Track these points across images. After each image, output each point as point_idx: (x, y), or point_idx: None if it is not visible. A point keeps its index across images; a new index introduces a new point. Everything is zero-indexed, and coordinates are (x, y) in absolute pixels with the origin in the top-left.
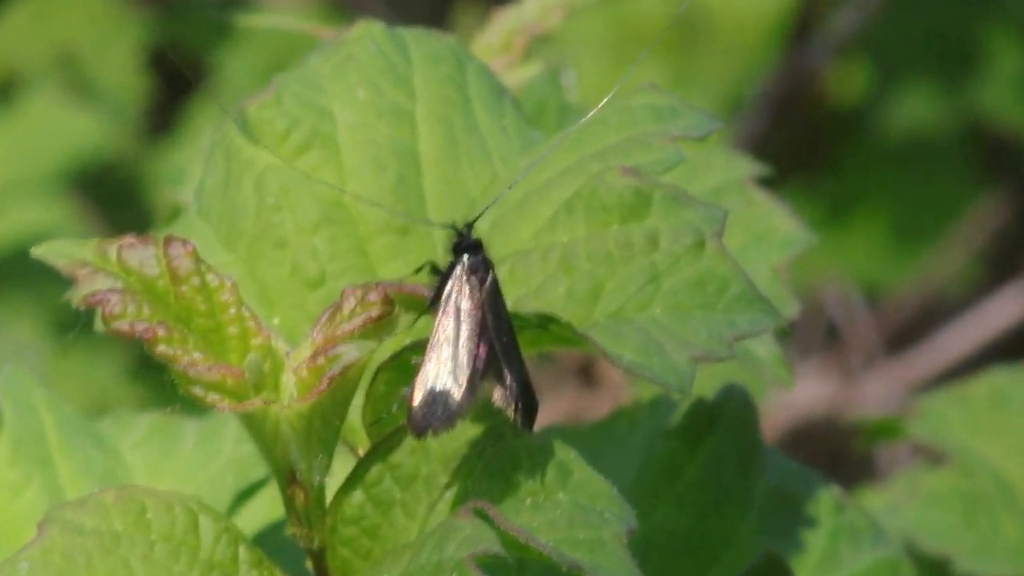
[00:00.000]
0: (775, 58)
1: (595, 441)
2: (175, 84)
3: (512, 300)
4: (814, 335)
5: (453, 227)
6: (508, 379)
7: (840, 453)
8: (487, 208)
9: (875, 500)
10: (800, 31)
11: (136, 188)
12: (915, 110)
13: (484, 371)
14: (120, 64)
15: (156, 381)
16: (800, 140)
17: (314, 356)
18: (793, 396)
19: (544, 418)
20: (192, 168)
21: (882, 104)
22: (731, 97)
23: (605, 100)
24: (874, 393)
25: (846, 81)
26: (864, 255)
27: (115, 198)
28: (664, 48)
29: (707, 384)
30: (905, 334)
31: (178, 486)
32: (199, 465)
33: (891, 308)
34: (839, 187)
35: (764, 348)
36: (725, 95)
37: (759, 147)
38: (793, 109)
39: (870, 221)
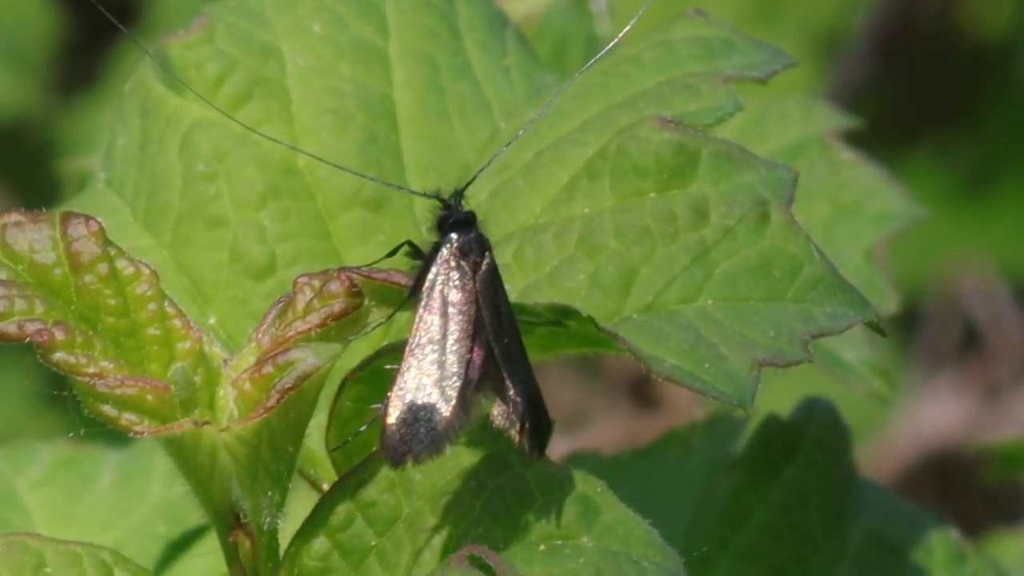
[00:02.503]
0: None
1: (637, 473)
2: (96, 24)
3: (517, 290)
4: (947, 340)
5: (438, 197)
6: (511, 392)
7: (983, 489)
8: (482, 171)
9: (1015, 547)
10: None
11: (48, 154)
12: None
13: (479, 381)
14: None
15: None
16: (925, 87)
17: (260, 364)
18: (919, 418)
19: (590, 447)
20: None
21: None
22: (826, 30)
23: (629, 27)
24: None
25: (988, 8)
26: (1013, 235)
27: (21, 167)
28: None
29: (781, 398)
30: None
31: (91, 535)
32: (119, 509)
33: None
34: (980, 147)
35: (852, 351)
36: (818, 27)
37: (864, 96)
38: (914, 46)
39: (1021, 191)
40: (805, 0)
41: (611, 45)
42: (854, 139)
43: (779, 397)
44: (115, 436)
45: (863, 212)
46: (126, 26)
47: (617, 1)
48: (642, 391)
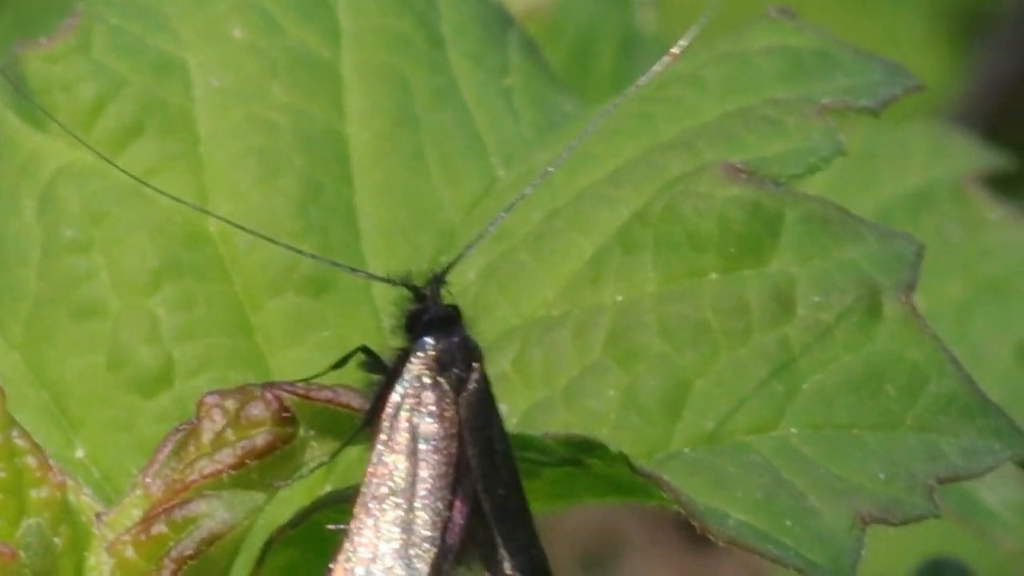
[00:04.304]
0: None
1: None
2: None
3: (519, 412)
4: None
5: (407, 283)
6: (506, 565)
7: None
8: (473, 244)
9: None
10: None
11: None
12: None
13: (461, 550)
14: None
15: None
16: None
17: (149, 520)
18: None
19: None
20: None
21: None
22: (964, 13)
23: (691, 35)
24: None
25: None
26: None
27: None
28: None
29: (893, 556)
30: None
31: None
32: None
33: None
34: None
35: (995, 492)
36: (954, 8)
37: (1018, 108)
38: None
39: None
40: None
41: (663, 62)
42: (1003, 184)
43: (890, 555)
44: None
45: (1013, 290)
46: None
47: None
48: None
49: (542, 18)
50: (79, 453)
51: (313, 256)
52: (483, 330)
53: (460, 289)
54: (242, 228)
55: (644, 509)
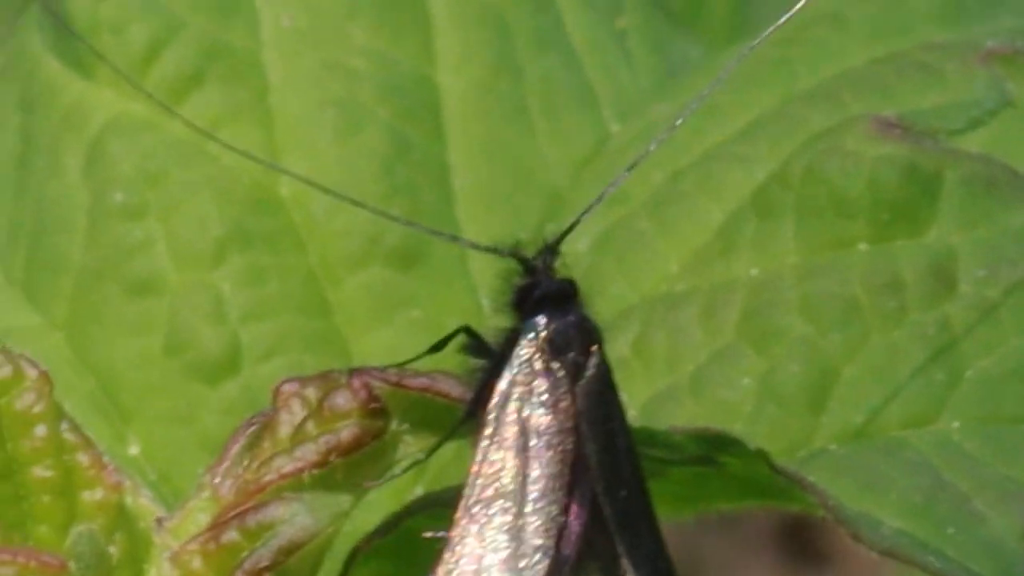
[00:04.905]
0: None
1: None
2: None
3: (639, 403)
4: None
5: (514, 252)
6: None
7: None
8: (588, 210)
9: None
10: None
11: None
12: None
13: (579, 561)
14: None
15: None
16: None
17: (218, 527)
18: None
19: None
20: None
21: None
22: None
23: None
24: None
25: None
26: None
27: None
28: None
29: None
30: None
31: None
32: None
33: None
34: None
35: None
36: None
37: None
38: None
39: None
40: None
41: (800, 4)
42: None
43: None
44: None
45: None
46: None
47: None
48: (798, 535)
49: None
50: (133, 450)
51: (403, 222)
52: (598, 309)
53: (571, 261)
54: (320, 188)
55: (742, 531)
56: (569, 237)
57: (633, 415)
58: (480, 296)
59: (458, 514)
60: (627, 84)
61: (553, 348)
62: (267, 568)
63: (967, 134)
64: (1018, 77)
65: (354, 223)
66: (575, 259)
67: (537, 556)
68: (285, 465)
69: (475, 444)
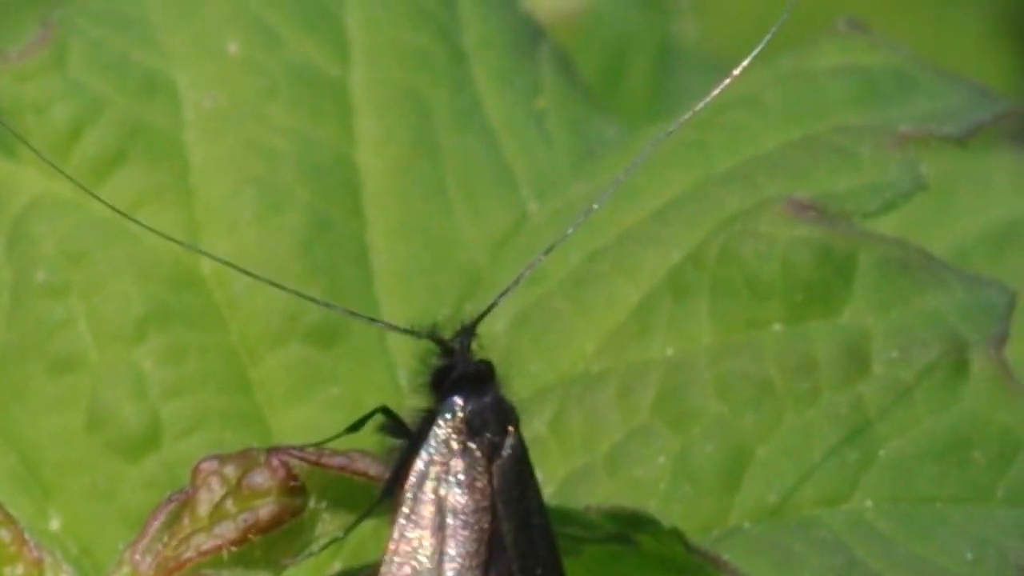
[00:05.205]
0: None
1: None
2: None
3: (556, 481)
4: None
5: (432, 334)
6: None
7: None
8: (506, 291)
9: None
10: None
11: None
12: None
13: None
14: None
15: None
16: None
17: None
18: None
19: None
20: None
21: None
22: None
23: (755, 53)
24: None
25: None
26: None
27: None
28: None
29: None
30: None
31: None
32: None
33: None
34: None
35: None
36: (1010, 21)
37: None
38: None
39: None
40: None
41: (723, 83)
42: None
43: None
44: None
45: None
46: None
47: None
48: None
49: (569, 27)
50: (54, 524)
51: (321, 303)
52: (515, 388)
53: (488, 341)
54: (239, 270)
55: None
56: (487, 318)
57: (549, 493)
58: (398, 374)
59: None
60: (545, 163)
61: (470, 428)
62: None
63: (881, 216)
64: (931, 160)
65: (274, 301)
66: (493, 339)
67: None
68: (204, 542)
69: (392, 522)
